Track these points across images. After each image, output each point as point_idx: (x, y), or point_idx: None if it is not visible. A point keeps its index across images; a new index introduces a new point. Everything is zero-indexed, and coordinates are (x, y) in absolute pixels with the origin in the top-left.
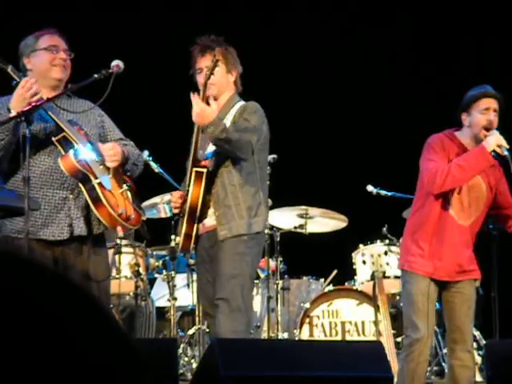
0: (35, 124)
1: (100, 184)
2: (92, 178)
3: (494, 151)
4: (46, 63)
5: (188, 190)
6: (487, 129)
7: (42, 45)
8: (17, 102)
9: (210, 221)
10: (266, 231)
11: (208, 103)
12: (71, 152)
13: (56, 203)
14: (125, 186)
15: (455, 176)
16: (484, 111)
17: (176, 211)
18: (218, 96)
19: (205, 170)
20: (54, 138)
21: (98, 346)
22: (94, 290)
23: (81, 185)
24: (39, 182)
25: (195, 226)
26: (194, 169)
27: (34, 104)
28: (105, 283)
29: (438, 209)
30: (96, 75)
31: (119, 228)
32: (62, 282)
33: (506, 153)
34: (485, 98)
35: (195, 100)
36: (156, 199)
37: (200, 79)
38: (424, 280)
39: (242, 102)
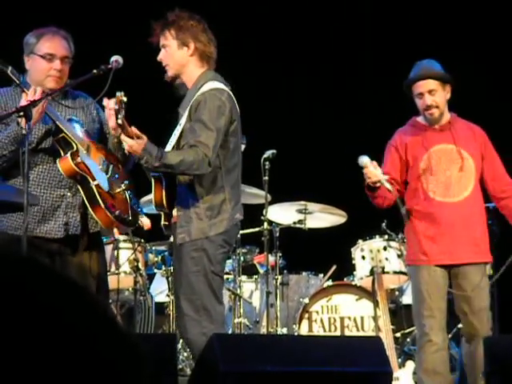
0: (36, 126)
1: (98, 186)
2: (90, 179)
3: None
4: (40, 72)
5: (152, 195)
6: (428, 110)
7: (39, 50)
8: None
9: (175, 211)
10: (266, 226)
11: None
12: (69, 154)
13: (53, 201)
14: (122, 186)
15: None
16: (419, 96)
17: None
18: (178, 74)
19: (161, 175)
20: (53, 138)
21: (96, 341)
22: (92, 285)
23: (79, 186)
24: (37, 179)
25: (171, 221)
26: (152, 174)
27: (32, 99)
28: (103, 279)
29: (419, 195)
30: (95, 71)
31: (116, 229)
32: (60, 278)
33: (386, 185)
34: (417, 82)
35: (122, 138)
36: None
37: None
38: (424, 270)
39: (211, 85)
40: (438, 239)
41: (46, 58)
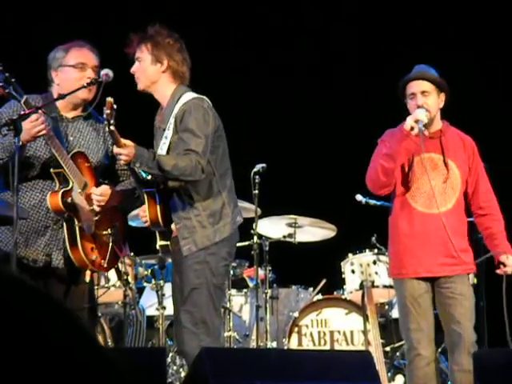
0: (38, 151)
1: (81, 228)
2: (75, 220)
3: (418, 127)
4: (73, 82)
5: (146, 211)
6: None
7: (70, 60)
8: (22, 134)
9: (174, 224)
10: (256, 240)
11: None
12: (61, 192)
13: (38, 228)
14: (109, 230)
15: (384, 166)
16: (411, 96)
17: (146, 224)
18: (149, 89)
19: (154, 190)
20: (52, 170)
21: (75, 356)
22: (78, 302)
23: (64, 222)
24: (27, 204)
25: (168, 240)
26: (144, 190)
27: (23, 112)
28: (89, 295)
29: (401, 204)
30: (85, 84)
31: (88, 272)
32: (44, 297)
33: (421, 127)
34: (409, 83)
35: (116, 151)
36: None
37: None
38: (406, 283)
39: (189, 95)
40: (417, 252)
41: (78, 67)
